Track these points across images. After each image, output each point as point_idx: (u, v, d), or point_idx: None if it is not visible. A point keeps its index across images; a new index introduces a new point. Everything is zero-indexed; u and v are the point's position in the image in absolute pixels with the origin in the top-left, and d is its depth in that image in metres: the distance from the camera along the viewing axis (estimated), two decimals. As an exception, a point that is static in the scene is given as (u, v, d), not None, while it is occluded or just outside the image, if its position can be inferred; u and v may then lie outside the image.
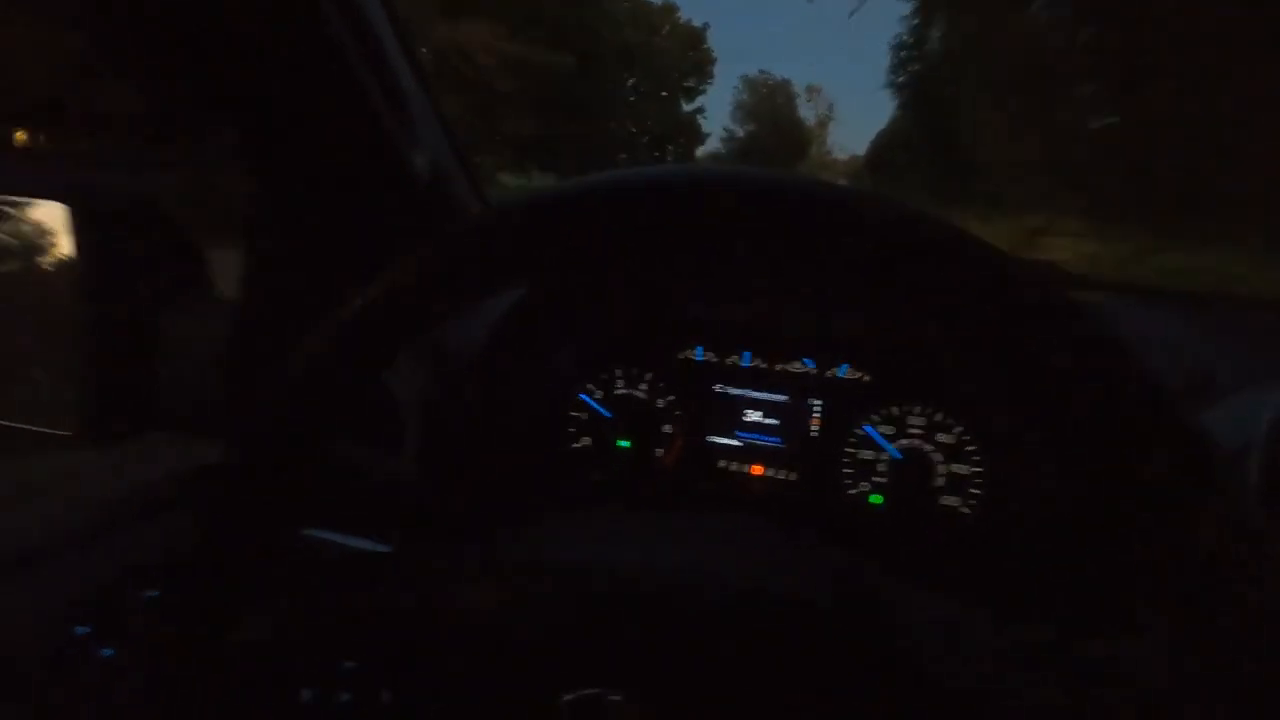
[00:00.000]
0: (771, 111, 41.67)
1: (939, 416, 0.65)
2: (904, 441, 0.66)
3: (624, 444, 0.72)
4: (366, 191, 0.55)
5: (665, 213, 0.27)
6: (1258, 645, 0.23)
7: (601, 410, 0.72)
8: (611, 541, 0.36)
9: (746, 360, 0.71)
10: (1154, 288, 0.80)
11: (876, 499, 0.66)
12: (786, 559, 0.34)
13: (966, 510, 0.64)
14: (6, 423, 0.57)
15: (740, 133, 40.15)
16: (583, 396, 0.72)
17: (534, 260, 0.29)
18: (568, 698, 0.32)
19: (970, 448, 0.64)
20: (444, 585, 0.34)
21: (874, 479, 0.67)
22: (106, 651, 0.42)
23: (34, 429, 0.56)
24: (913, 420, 0.66)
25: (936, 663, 0.29)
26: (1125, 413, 0.23)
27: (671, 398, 0.72)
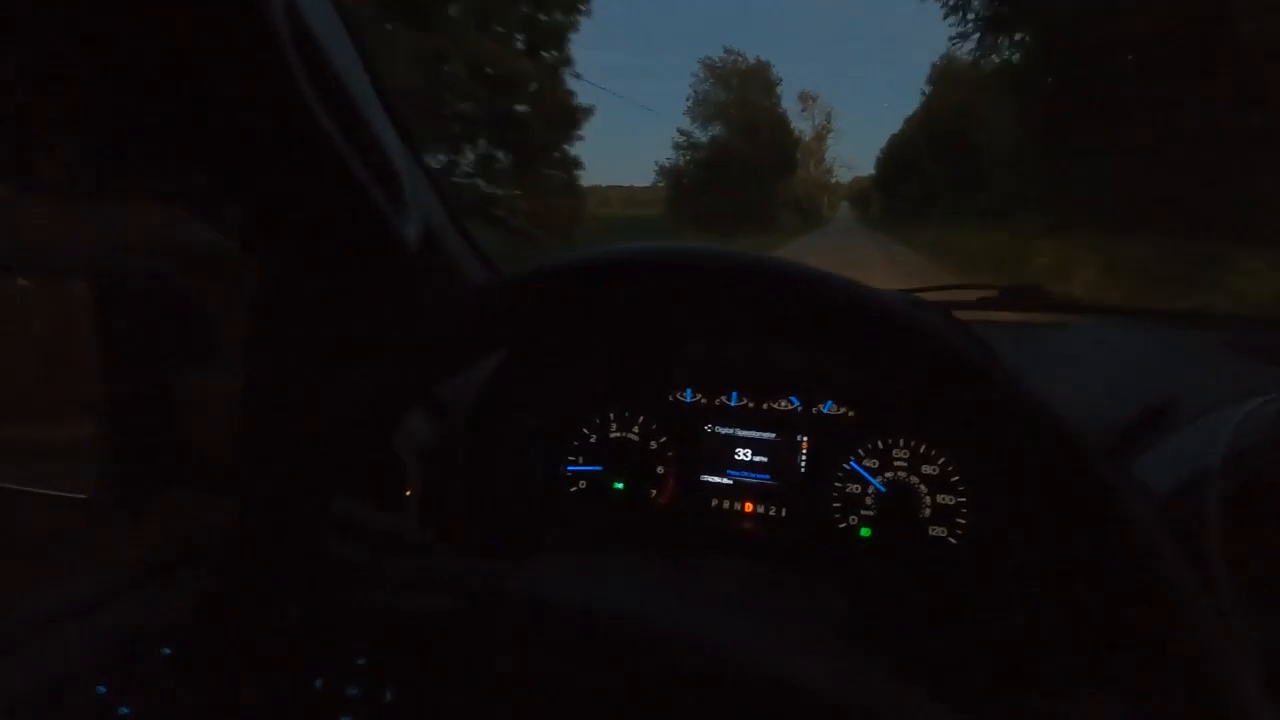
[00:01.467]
0: (745, 108, 31.04)
1: (922, 449, 0.67)
2: (890, 474, 0.68)
3: (619, 486, 0.74)
4: (360, 263, 0.58)
5: (636, 287, 0.30)
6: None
7: (591, 469, 0.74)
8: (608, 587, 0.37)
9: (735, 399, 0.73)
10: (1127, 308, 0.82)
11: (866, 531, 0.68)
12: (779, 626, 0.34)
13: (954, 540, 0.65)
14: (25, 488, 0.59)
15: (703, 137, 30.04)
16: (570, 469, 0.74)
17: (522, 330, 0.32)
18: None
19: (954, 478, 0.66)
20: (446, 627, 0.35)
21: (863, 512, 0.68)
22: (123, 710, 0.43)
23: (52, 493, 0.59)
24: (897, 454, 0.68)
25: None
26: (1037, 469, 0.25)
27: (664, 439, 0.74)
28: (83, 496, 0.57)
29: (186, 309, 0.59)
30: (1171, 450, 0.51)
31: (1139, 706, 0.26)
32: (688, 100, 31.41)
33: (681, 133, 30.65)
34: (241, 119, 0.47)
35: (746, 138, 29.93)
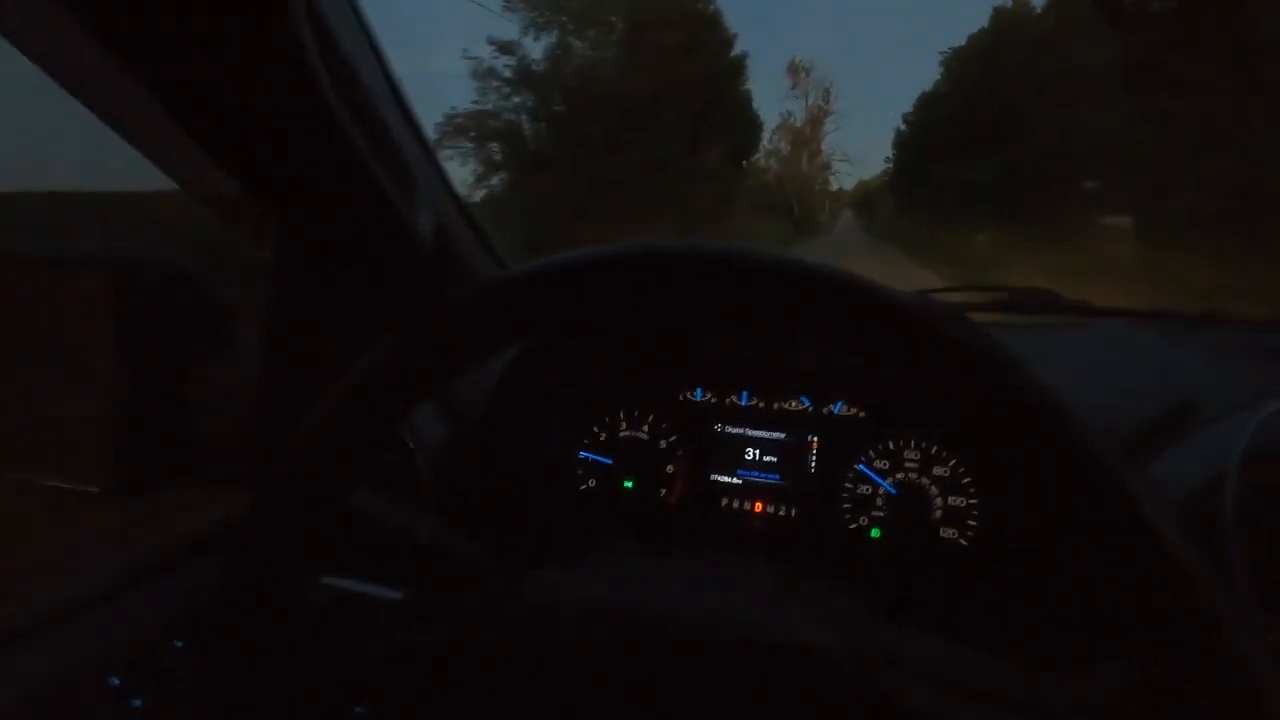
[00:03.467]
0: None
1: (934, 450, 0.67)
2: (900, 475, 0.68)
3: (628, 484, 0.74)
4: (374, 255, 0.58)
5: (645, 286, 0.30)
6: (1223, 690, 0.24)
7: (603, 460, 0.74)
8: (621, 585, 0.37)
9: (745, 399, 0.73)
10: (1139, 311, 0.82)
11: (876, 533, 0.68)
12: (797, 606, 0.35)
13: (965, 542, 0.65)
14: (37, 479, 0.59)
15: (537, 52, 12.86)
16: (583, 454, 0.74)
17: (537, 322, 0.32)
18: None
19: (966, 480, 0.66)
20: (456, 630, 0.35)
21: (873, 513, 0.68)
22: (135, 702, 0.43)
23: (64, 485, 0.59)
24: (908, 455, 0.68)
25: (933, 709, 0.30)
26: (1052, 462, 0.25)
27: (674, 438, 0.74)
28: (95, 489, 0.57)
29: (200, 301, 0.60)
30: (1189, 452, 0.51)
31: (1159, 701, 0.26)
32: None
33: (494, 45, 13.29)
34: (260, 114, 0.47)
35: (637, 54, 13.56)
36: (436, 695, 0.36)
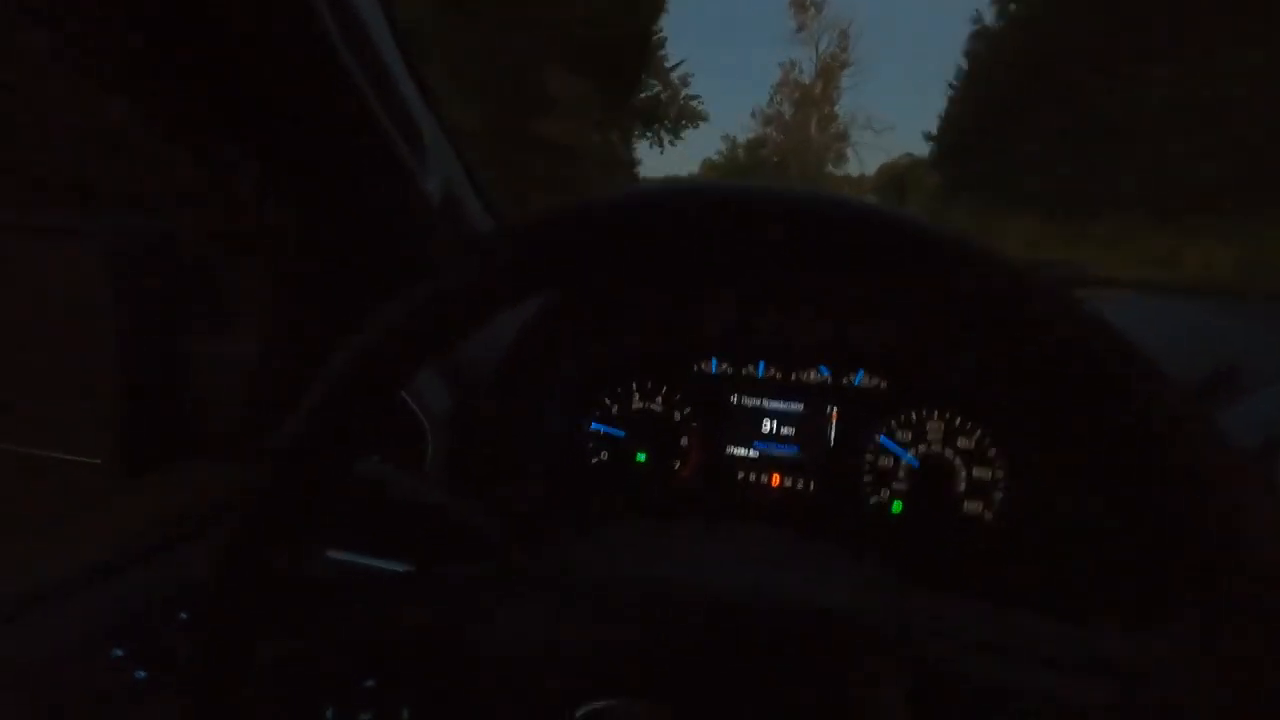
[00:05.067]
0: None
1: (958, 421, 0.65)
2: (923, 448, 0.65)
3: (641, 458, 0.72)
4: (381, 216, 0.56)
5: (688, 228, 0.28)
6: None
7: (615, 432, 0.72)
8: (634, 556, 0.36)
9: (761, 370, 0.71)
10: (1180, 285, 0.79)
11: (897, 506, 0.66)
12: (825, 572, 0.34)
13: (989, 516, 0.63)
14: (39, 451, 0.58)
15: None
16: (595, 426, 0.72)
17: (552, 276, 0.30)
18: (582, 711, 0.32)
19: (991, 452, 0.63)
20: (465, 603, 0.34)
21: (894, 486, 0.66)
22: (140, 674, 0.43)
23: (66, 457, 0.58)
24: (931, 426, 0.66)
25: (970, 668, 0.29)
26: (1145, 421, 0.23)
27: (688, 410, 0.72)
28: (96, 461, 0.56)
29: (201, 274, 0.58)
30: (1236, 417, 0.49)
31: (1206, 651, 0.24)
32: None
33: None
34: (271, 75, 0.45)
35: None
36: (445, 671, 0.35)
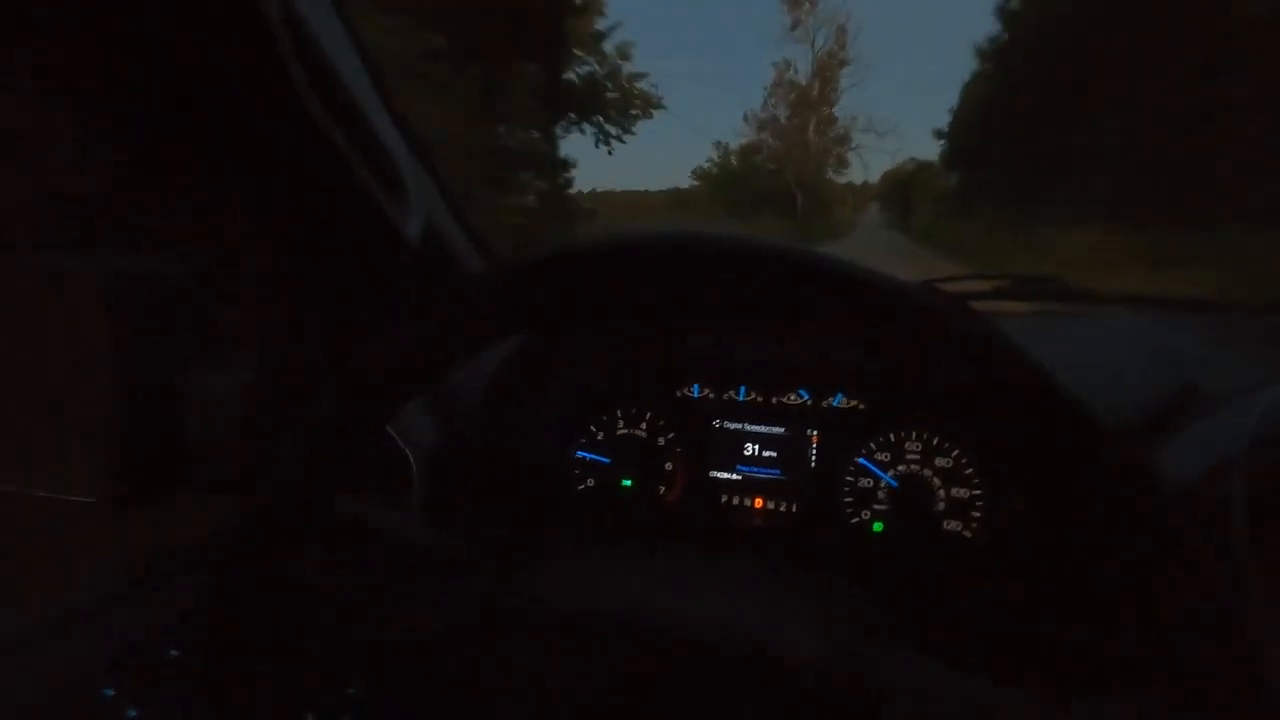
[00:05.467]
0: None
1: (935, 441, 0.66)
2: (902, 468, 0.67)
3: (627, 483, 0.73)
4: (364, 257, 0.58)
5: (655, 273, 0.30)
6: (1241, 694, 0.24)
7: (601, 458, 0.73)
8: (607, 589, 0.37)
9: (743, 395, 0.73)
10: (1142, 296, 0.81)
11: (878, 527, 0.67)
12: (800, 616, 0.34)
13: (969, 534, 0.64)
14: (31, 490, 0.59)
15: None
16: (581, 453, 0.74)
17: (532, 315, 0.32)
18: None
19: (968, 471, 0.65)
20: (441, 625, 0.35)
21: (875, 507, 0.67)
22: (131, 713, 0.43)
23: (58, 496, 0.58)
24: (910, 447, 0.67)
25: None
26: (1058, 450, 0.24)
27: (671, 435, 0.73)
28: (89, 499, 0.57)
29: (194, 308, 0.59)
30: (1195, 437, 0.50)
31: (1171, 686, 0.25)
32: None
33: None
34: (243, 120, 0.47)
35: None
36: (427, 680, 0.36)
